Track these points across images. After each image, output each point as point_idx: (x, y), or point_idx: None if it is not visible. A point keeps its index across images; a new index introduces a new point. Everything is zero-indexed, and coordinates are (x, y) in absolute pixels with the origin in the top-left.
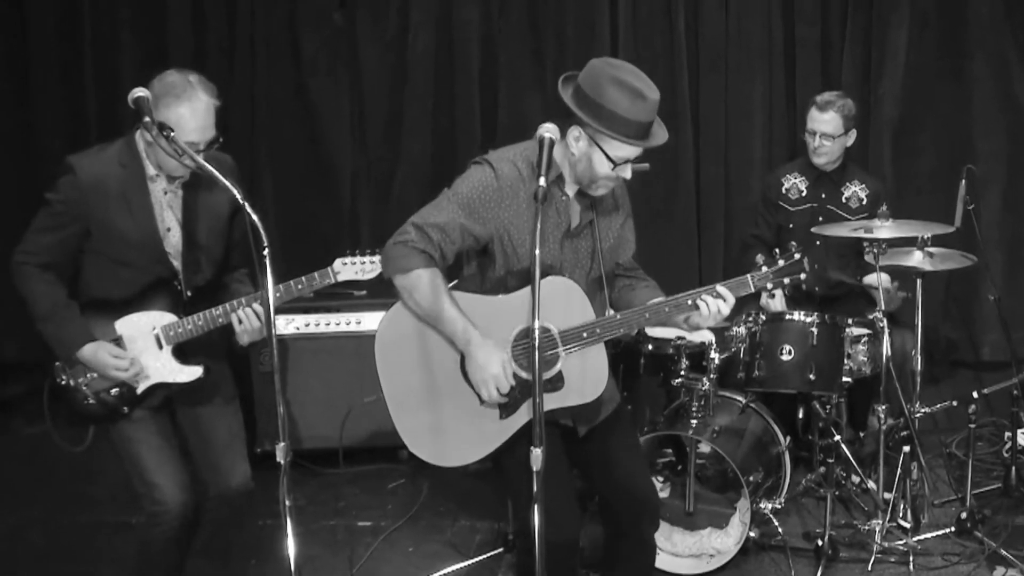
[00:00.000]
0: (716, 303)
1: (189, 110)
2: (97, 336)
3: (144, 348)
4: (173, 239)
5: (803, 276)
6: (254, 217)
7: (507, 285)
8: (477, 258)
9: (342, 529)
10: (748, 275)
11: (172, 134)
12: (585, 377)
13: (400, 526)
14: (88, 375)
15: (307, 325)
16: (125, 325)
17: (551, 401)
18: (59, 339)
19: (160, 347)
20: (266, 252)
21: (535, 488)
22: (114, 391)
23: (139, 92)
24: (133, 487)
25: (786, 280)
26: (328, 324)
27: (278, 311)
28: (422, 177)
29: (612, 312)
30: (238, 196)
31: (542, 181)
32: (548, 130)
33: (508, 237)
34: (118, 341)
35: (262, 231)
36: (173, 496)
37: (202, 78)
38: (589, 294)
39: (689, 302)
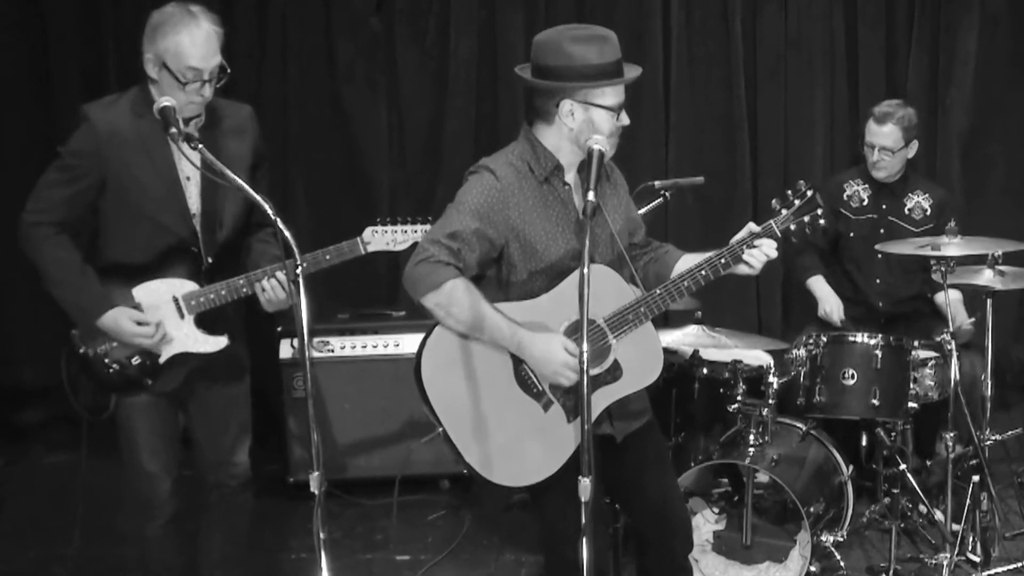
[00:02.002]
0: (761, 252)
1: (188, 36)
2: (116, 303)
3: (165, 316)
4: (192, 190)
5: (819, 211)
6: (287, 233)
7: (533, 288)
8: (493, 266)
9: (379, 563)
10: (771, 222)
11: (200, 145)
12: (641, 359)
13: (441, 560)
14: (108, 344)
15: (343, 348)
16: (144, 292)
17: (614, 392)
18: (78, 306)
19: (182, 316)
20: (299, 270)
21: (583, 519)
22: (135, 360)
23: (164, 102)
24: (125, 469)
25: (806, 219)
26: (365, 347)
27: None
28: None
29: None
30: (269, 212)
31: (591, 196)
32: (598, 142)
33: (523, 238)
34: (137, 309)
35: (295, 248)
36: (162, 482)
37: (204, 8)
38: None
39: (723, 261)
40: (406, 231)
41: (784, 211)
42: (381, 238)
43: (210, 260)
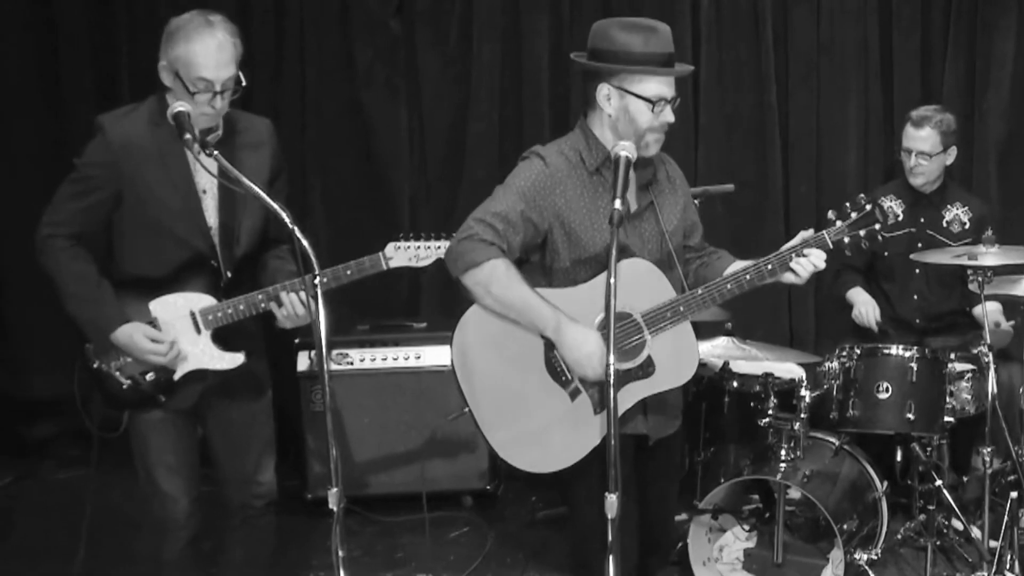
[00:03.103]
0: (808, 262)
1: (201, 45)
2: (131, 318)
3: (181, 332)
4: (209, 203)
5: (878, 227)
6: (304, 243)
7: (576, 277)
8: (538, 251)
9: None
10: (823, 232)
11: (216, 152)
12: (675, 358)
13: None
14: (122, 359)
15: (362, 360)
16: (160, 307)
17: (644, 388)
18: (92, 321)
19: (198, 331)
20: (318, 281)
21: (610, 537)
22: (149, 376)
23: (179, 107)
24: (141, 488)
25: (862, 233)
26: (385, 359)
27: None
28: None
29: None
30: (287, 221)
31: (618, 204)
32: (624, 148)
33: (568, 225)
34: (153, 324)
35: (313, 258)
36: (179, 504)
37: (225, 19)
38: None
39: (769, 267)
40: (429, 247)
41: (839, 223)
42: (403, 254)
43: (229, 275)
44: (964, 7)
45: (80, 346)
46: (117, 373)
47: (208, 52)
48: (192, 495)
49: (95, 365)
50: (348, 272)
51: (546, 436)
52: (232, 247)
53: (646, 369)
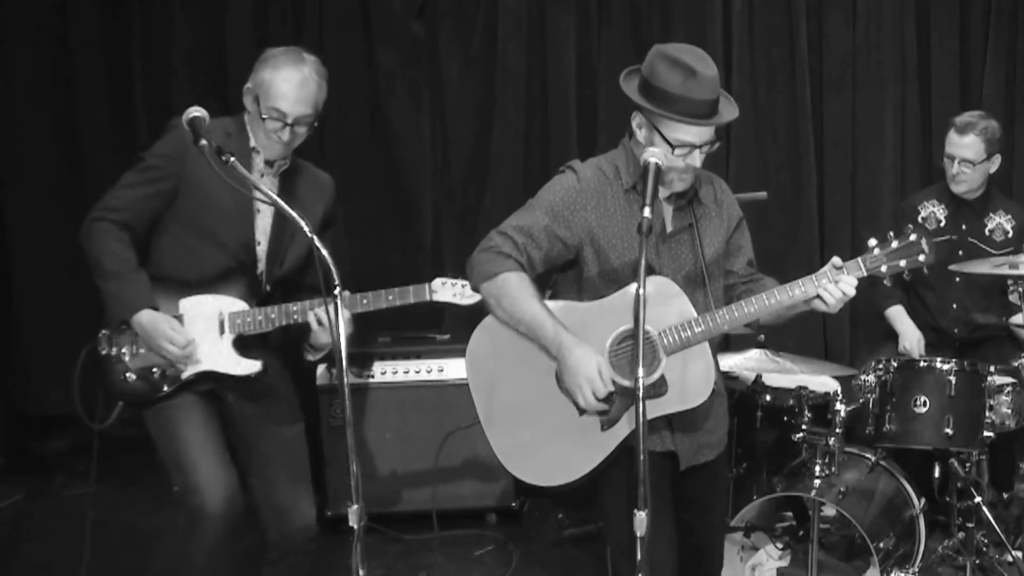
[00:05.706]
0: (837, 289)
1: (285, 76)
2: (159, 307)
3: (204, 332)
4: (263, 222)
5: (922, 259)
6: (324, 252)
7: (604, 291)
8: (571, 268)
9: None
10: (858, 258)
11: (232, 159)
12: (690, 380)
13: None
14: (134, 347)
15: (383, 373)
16: (190, 304)
17: (654, 408)
18: (119, 297)
19: (221, 333)
20: (337, 291)
21: (639, 555)
22: (155, 371)
23: (194, 112)
24: (172, 480)
25: (902, 263)
26: (408, 372)
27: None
28: (512, 208)
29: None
30: (306, 229)
31: (647, 212)
32: (653, 154)
33: (597, 240)
34: (178, 319)
35: (333, 268)
36: (216, 492)
37: (318, 60)
38: (689, 294)
39: (796, 292)
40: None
41: (877, 250)
42: (449, 290)
43: (268, 288)
44: (1004, 10)
45: (92, 353)
46: (126, 360)
47: (291, 85)
48: (230, 486)
49: (104, 352)
50: (390, 298)
51: (549, 449)
52: (274, 265)
53: (658, 388)
